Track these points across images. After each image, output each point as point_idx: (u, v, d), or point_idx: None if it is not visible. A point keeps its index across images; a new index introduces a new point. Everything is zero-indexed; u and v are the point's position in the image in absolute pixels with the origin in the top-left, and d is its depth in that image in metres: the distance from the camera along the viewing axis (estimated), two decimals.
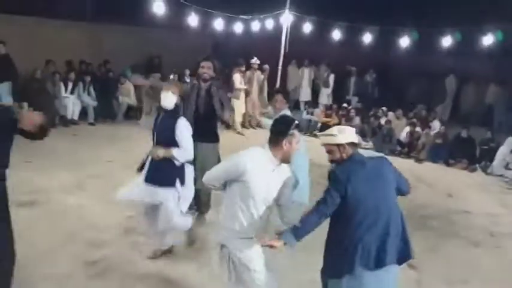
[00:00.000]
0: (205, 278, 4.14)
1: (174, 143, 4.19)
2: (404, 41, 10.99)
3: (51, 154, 7.71)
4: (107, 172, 6.99)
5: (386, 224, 2.85)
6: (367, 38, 11.29)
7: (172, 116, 4.26)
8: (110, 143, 8.90)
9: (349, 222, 2.84)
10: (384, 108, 11.55)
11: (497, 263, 5.28)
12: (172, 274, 4.32)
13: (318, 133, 3.05)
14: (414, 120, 10.81)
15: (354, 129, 3.07)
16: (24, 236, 4.63)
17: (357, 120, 11.45)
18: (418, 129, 10.56)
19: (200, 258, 4.51)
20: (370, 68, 13.52)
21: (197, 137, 4.58)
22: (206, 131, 5.06)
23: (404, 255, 2.94)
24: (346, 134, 2.94)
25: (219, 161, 4.90)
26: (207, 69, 5.09)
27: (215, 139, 5.23)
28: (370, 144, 10.45)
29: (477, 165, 9.69)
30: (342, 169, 2.91)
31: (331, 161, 3.02)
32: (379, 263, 2.82)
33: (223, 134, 4.63)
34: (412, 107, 11.91)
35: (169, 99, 4.24)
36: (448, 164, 9.86)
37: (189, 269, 4.41)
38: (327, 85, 13.20)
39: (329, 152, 3.00)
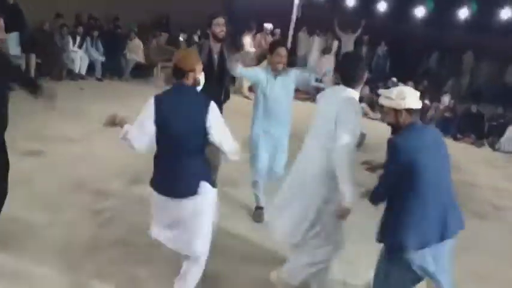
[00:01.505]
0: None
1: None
2: (420, 11, 10.75)
3: (58, 106, 7.64)
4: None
5: (447, 196, 2.74)
6: (382, 6, 11.06)
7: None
8: (116, 98, 8.83)
9: (412, 195, 2.66)
10: (394, 79, 11.37)
11: (500, 235, 5.29)
12: None
13: (380, 90, 2.78)
14: (423, 92, 10.68)
15: (417, 94, 2.77)
16: (30, 183, 4.72)
17: (366, 89, 11.31)
18: (427, 101, 10.45)
19: None
20: (383, 39, 13.27)
21: None
22: (216, 100, 4.61)
23: (459, 227, 2.82)
24: (405, 100, 2.69)
25: None
26: (222, 26, 4.37)
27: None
28: (378, 115, 10.36)
29: (485, 140, 9.63)
30: (401, 139, 2.69)
31: (388, 124, 2.83)
32: (443, 235, 2.71)
33: (232, 99, 4.55)
34: (423, 79, 11.75)
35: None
36: (455, 139, 9.78)
37: None
38: (328, 51, 12.97)
39: (386, 113, 2.80)
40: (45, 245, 3.74)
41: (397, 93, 2.72)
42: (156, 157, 3.03)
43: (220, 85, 4.43)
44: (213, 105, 2.93)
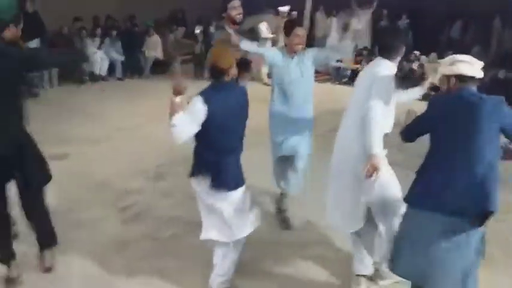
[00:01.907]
0: None
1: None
2: None
3: (81, 109, 7.85)
4: (135, 125, 7.07)
5: (479, 167, 2.62)
6: None
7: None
8: (137, 97, 8.97)
9: (438, 156, 2.74)
10: (417, 52, 11.09)
11: None
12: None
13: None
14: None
15: (473, 61, 2.74)
16: (56, 186, 4.79)
17: None
18: None
19: None
20: (404, 11, 12.91)
21: None
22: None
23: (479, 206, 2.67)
24: (455, 66, 2.71)
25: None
26: (238, 8, 4.26)
27: None
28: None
29: None
30: (439, 99, 2.80)
31: (442, 91, 2.86)
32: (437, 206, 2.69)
33: (250, 86, 4.49)
34: (446, 50, 11.38)
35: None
36: None
37: None
38: (346, 29, 12.71)
39: (440, 80, 2.85)
40: (74, 243, 3.81)
41: (449, 60, 2.78)
42: (203, 152, 3.05)
43: (241, 67, 4.27)
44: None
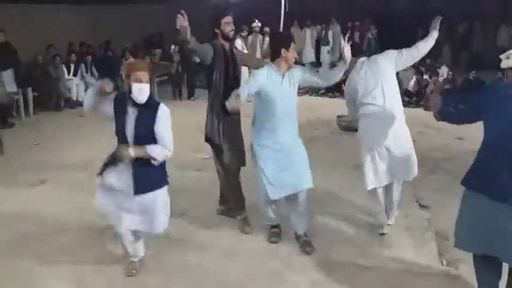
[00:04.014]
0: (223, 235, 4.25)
1: (152, 140, 3.31)
2: None
3: (60, 135, 7.79)
4: (113, 149, 6.99)
5: None
6: None
7: (150, 105, 3.29)
8: None
9: (486, 144, 2.88)
10: None
11: None
12: (180, 234, 4.35)
13: None
14: (421, 68, 10.58)
15: None
16: (37, 213, 4.78)
17: None
18: (425, 76, 10.36)
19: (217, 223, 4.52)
20: (373, 20, 13.21)
21: (227, 109, 3.91)
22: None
23: None
24: (509, 60, 2.94)
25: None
26: (231, 25, 4.16)
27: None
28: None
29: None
30: (491, 87, 3.05)
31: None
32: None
33: None
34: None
35: (146, 91, 3.21)
36: None
37: (200, 232, 4.45)
38: (326, 43, 12.97)
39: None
40: (55, 266, 3.79)
41: (506, 54, 2.98)
42: None
43: (237, 83, 4.20)
44: None
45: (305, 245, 4.05)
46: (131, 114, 3.28)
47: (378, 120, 4.07)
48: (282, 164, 3.86)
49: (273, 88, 3.77)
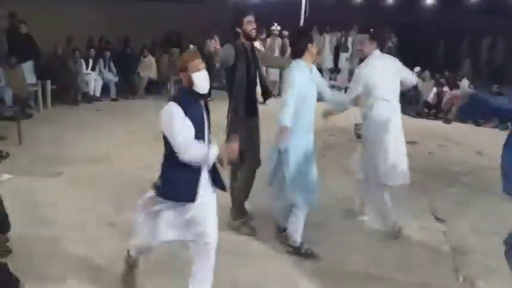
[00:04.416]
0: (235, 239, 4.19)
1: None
2: None
3: (76, 129, 7.81)
4: (130, 144, 7.04)
5: None
6: None
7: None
8: (132, 117, 8.94)
9: None
10: (418, 69, 11.18)
11: None
12: None
13: None
14: (442, 80, 10.46)
15: None
16: (53, 203, 4.80)
17: None
18: (446, 89, 10.24)
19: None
20: (394, 30, 13.12)
21: (249, 110, 4.07)
22: (254, 101, 4.32)
23: None
24: None
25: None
26: (254, 24, 4.14)
27: (258, 111, 4.40)
28: None
29: (509, 123, 9.34)
30: None
31: None
32: None
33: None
34: (443, 69, 11.48)
35: (207, 77, 2.98)
36: (477, 124, 9.54)
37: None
38: (345, 49, 12.90)
39: None
40: (68, 261, 3.77)
41: None
42: None
43: (256, 84, 4.29)
44: None
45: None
46: (202, 110, 3.01)
47: (392, 120, 4.24)
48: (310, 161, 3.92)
49: (307, 82, 3.81)
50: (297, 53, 3.92)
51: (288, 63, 4.04)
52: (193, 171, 2.95)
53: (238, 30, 4.15)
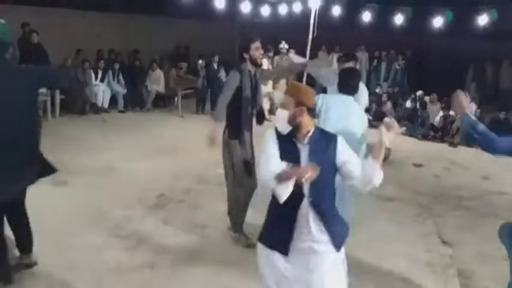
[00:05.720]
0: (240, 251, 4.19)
1: None
2: (438, 22, 10.64)
3: (83, 139, 7.84)
4: (136, 156, 7.03)
5: None
6: (399, 19, 10.98)
7: None
8: (139, 129, 8.98)
9: None
10: (420, 92, 11.27)
11: None
12: (203, 247, 4.32)
13: None
14: (448, 104, 10.47)
15: None
16: (58, 210, 4.81)
17: (389, 105, 11.21)
18: (452, 112, 10.23)
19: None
20: (402, 52, 13.26)
21: (250, 133, 4.24)
22: (251, 123, 4.40)
23: None
24: None
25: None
26: (261, 50, 4.25)
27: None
28: (402, 129, 10.18)
29: None
30: None
31: None
32: None
33: None
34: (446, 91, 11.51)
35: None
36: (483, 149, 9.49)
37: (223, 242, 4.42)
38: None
39: None
40: (73, 270, 3.75)
41: None
42: None
43: (256, 107, 4.35)
44: None
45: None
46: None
47: None
48: None
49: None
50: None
51: (299, 66, 4.12)
52: None
53: (246, 55, 4.20)
